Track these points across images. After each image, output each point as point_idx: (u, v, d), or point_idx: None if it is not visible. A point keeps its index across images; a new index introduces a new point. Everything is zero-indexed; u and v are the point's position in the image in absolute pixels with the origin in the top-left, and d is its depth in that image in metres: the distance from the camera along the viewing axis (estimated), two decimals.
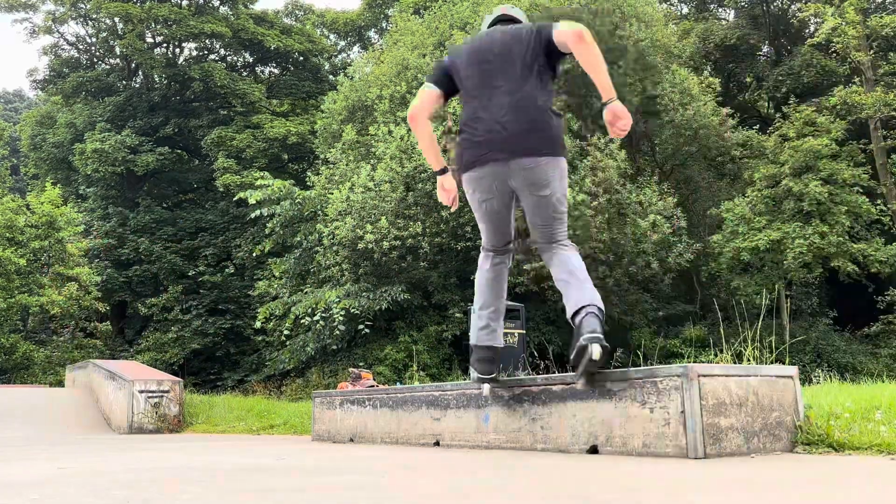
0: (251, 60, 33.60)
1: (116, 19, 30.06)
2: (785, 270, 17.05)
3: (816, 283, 20.35)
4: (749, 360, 3.52)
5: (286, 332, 17.76)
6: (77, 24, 31.99)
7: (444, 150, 15.47)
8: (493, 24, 3.71)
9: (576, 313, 3.21)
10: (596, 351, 3.03)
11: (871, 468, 2.42)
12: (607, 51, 18.98)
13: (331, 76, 33.13)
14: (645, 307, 18.43)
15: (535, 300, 17.47)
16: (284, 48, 31.07)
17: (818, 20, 22.80)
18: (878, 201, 18.69)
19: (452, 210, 4.30)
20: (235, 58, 33.42)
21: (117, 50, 31.16)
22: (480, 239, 3.70)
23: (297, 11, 35.98)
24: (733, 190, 20.78)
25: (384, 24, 34.52)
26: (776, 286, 17.25)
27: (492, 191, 3.42)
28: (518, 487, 2.16)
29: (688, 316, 19.22)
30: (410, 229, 16.03)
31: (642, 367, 3.08)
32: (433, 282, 17.32)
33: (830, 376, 9.26)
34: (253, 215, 20.86)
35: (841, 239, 16.92)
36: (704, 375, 2.83)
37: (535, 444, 3.45)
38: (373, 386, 6.98)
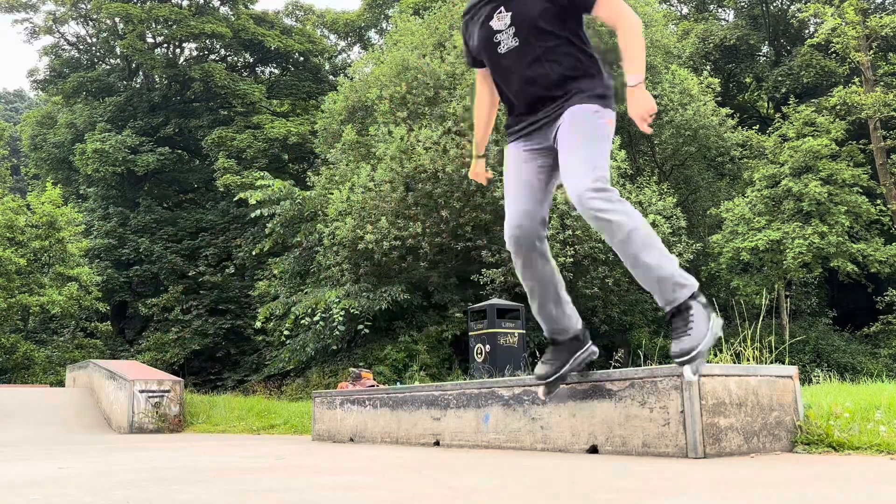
0: (251, 61, 33.59)
1: (117, 19, 30.05)
2: (784, 270, 17.05)
3: (816, 283, 20.35)
4: (749, 359, 3.53)
5: (286, 332, 17.77)
6: (77, 24, 31.99)
7: None
8: None
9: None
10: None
11: (870, 468, 2.42)
12: (607, 51, 19.15)
13: (331, 76, 33.12)
14: (645, 307, 18.42)
15: None
16: (285, 48, 31.06)
17: (818, 20, 22.79)
18: (878, 201, 18.68)
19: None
20: (236, 58, 33.40)
21: (118, 50, 31.14)
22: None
23: (297, 12, 35.98)
24: (733, 190, 20.78)
25: (384, 25, 34.51)
26: (776, 286, 17.25)
27: None
28: (518, 487, 2.16)
29: None
30: (410, 229, 16.02)
31: (642, 367, 3.09)
32: (433, 282, 17.31)
33: (830, 376, 9.25)
34: (253, 215, 20.87)
35: (840, 239, 16.91)
36: (704, 375, 2.84)
37: (535, 443, 3.45)
38: (373, 386, 6.98)
